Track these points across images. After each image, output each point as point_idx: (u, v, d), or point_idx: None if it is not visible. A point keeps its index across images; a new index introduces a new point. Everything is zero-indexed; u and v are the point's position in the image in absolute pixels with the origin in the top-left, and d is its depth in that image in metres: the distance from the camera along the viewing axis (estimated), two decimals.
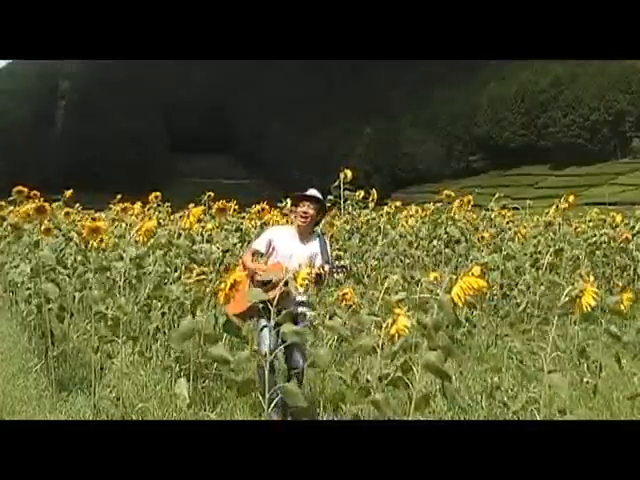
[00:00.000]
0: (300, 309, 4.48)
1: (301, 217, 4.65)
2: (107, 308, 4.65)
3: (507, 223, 8.76)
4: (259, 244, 4.74)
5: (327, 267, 4.44)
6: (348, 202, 8.28)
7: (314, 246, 4.67)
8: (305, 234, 4.69)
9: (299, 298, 4.45)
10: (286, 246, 4.63)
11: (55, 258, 5.29)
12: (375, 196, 9.26)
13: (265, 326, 4.40)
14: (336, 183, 7.83)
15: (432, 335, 2.50)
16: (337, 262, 4.71)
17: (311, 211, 4.66)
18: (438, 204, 8.59)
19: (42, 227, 5.12)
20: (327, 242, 4.87)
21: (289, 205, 9.24)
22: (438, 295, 2.51)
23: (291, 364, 4.56)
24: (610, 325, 4.20)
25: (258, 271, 4.46)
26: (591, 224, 9.74)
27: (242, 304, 4.16)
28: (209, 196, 8.22)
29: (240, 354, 2.74)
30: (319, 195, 4.78)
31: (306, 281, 3.14)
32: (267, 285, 4.19)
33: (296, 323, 3.99)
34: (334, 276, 4.65)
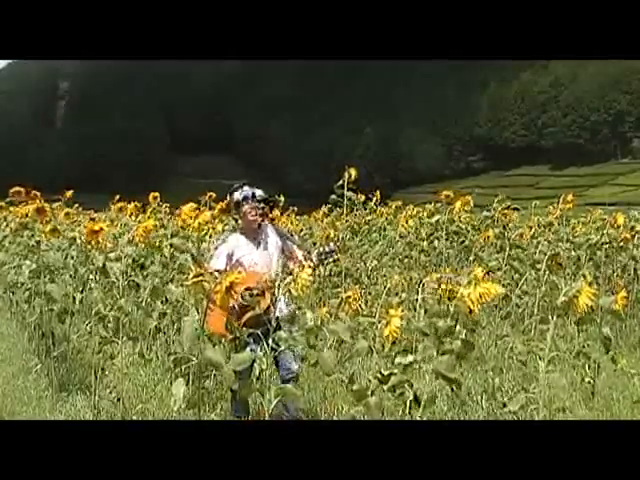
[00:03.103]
0: (285, 313, 4.17)
1: (250, 217, 4.44)
2: (110, 310, 4.64)
3: (509, 223, 8.74)
4: (219, 263, 4.43)
5: (314, 257, 4.24)
6: (349, 202, 8.17)
7: (276, 240, 4.51)
8: (254, 234, 4.50)
9: (280, 304, 4.20)
10: (249, 254, 4.43)
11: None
12: (379, 197, 9.26)
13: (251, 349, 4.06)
14: (340, 182, 7.68)
15: (443, 340, 2.48)
16: (322, 248, 4.44)
17: (254, 209, 4.44)
18: (437, 204, 8.57)
19: (48, 227, 5.11)
20: (277, 228, 4.68)
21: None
22: (440, 297, 2.50)
23: (283, 368, 4.34)
24: (605, 327, 4.18)
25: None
26: (593, 225, 9.72)
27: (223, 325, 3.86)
28: (210, 196, 8.22)
29: (237, 356, 2.72)
30: (254, 190, 4.54)
31: (308, 282, 3.07)
32: (251, 298, 3.92)
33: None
34: (324, 263, 4.40)
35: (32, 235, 5.12)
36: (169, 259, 5.62)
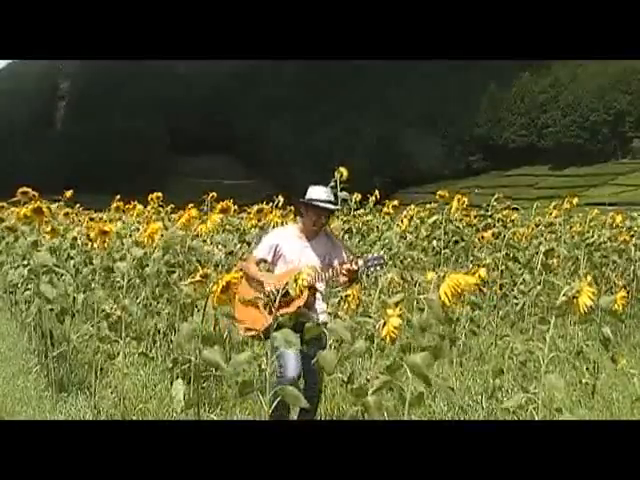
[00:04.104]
0: (322, 317, 4.05)
1: (315, 226, 4.20)
2: (111, 308, 4.65)
3: (509, 223, 8.76)
4: (263, 251, 4.22)
5: (361, 262, 3.98)
6: (346, 203, 8.12)
7: (326, 244, 4.26)
8: (311, 233, 4.24)
9: (319, 306, 4.12)
10: (295, 249, 4.17)
11: (55, 259, 5.29)
12: (377, 196, 9.26)
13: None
14: (332, 183, 7.62)
15: (418, 336, 2.49)
16: (369, 255, 4.18)
17: (326, 219, 4.24)
18: (434, 205, 8.58)
19: (46, 228, 5.11)
20: (334, 237, 4.49)
21: (291, 206, 9.08)
22: (430, 295, 2.49)
23: (310, 378, 4.11)
24: (604, 327, 4.18)
25: (269, 284, 3.94)
26: (592, 224, 9.73)
27: (259, 322, 3.82)
28: (212, 197, 8.24)
29: (237, 357, 2.71)
30: (332, 198, 4.30)
31: (305, 282, 3.04)
32: (285, 297, 3.92)
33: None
34: (370, 271, 4.06)
35: (16, 239, 5.11)
36: (184, 259, 5.58)
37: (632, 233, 8.64)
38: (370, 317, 2.81)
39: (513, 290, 6.93)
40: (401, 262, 8.20)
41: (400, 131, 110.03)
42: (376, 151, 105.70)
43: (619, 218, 9.08)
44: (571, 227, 9.59)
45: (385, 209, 9.65)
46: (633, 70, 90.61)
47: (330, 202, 4.24)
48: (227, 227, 7.41)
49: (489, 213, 8.05)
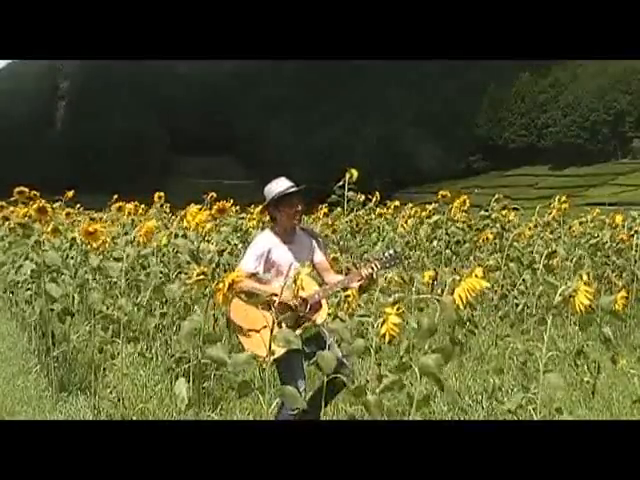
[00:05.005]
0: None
1: (295, 217, 4.01)
2: (107, 309, 4.65)
3: (508, 223, 8.74)
4: (253, 263, 3.94)
5: (378, 263, 3.84)
6: (350, 202, 8.12)
7: (306, 238, 4.12)
8: (290, 233, 4.06)
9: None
10: (285, 255, 3.98)
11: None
12: (378, 197, 9.26)
13: (295, 356, 3.67)
14: (340, 182, 7.60)
15: (426, 337, 2.48)
16: (382, 253, 3.99)
17: (302, 206, 4.03)
18: (435, 205, 8.57)
19: (49, 227, 5.11)
20: (307, 228, 4.35)
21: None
22: (434, 295, 2.50)
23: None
24: (605, 327, 4.17)
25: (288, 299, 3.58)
26: (592, 225, 9.73)
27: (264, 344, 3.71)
28: (212, 197, 8.22)
29: (237, 357, 2.71)
30: (291, 182, 4.06)
31: (302, 281, 3.03)
32: (300, 311, 3.79)
33: (324, 338, 3.72)
34: (387, 270, 3.93)
35: (29, 236, 5.10)
36: (171, 258, 5.60)
37: (632, 233, 8.62)
38: (368, 316, 2.82)
39: (513, 290, 6.93)
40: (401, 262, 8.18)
41: (400, 131, 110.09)
42: (376, 151, 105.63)
43: (619, 218, 9.07)
44: (570, 227, 9.59)
45: (386, 210, 9.65)
46: (633, 70, 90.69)
47: (293, 187, 4.05)
48: (223, 227, 7.40)
49: (487, 214, 8.04)
